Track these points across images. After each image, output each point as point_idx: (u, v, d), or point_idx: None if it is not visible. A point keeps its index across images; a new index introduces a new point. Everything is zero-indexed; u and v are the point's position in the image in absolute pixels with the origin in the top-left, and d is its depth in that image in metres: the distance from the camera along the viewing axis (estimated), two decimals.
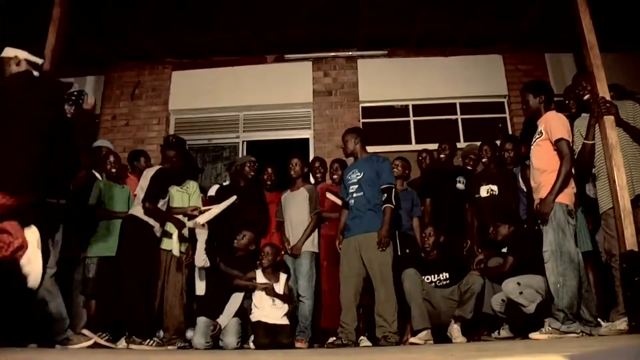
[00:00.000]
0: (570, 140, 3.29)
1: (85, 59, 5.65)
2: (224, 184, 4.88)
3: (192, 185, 4.35)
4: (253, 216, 4.33)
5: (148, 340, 3.67)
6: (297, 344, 3.95)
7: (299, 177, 4.45)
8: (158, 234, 3.96)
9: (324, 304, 4.14)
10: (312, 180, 4.81)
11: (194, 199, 4.29)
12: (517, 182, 4.17)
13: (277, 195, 4.56)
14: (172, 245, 3.98)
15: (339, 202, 4.29)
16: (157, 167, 4.10)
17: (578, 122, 3.53)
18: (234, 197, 4.15)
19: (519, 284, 3.42)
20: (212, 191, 4.68)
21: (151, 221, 3.89)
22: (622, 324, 3.07)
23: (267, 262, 4.00)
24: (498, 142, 4.55)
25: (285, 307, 3.97)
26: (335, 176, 4.53)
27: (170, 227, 4.05)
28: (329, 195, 4.43)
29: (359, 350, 3.15)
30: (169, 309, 3.98)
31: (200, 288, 4.08)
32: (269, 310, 3.89)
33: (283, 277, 4.06)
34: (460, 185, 4.47)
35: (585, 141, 3.35)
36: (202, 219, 4.01)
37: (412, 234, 4.34)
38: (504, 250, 3.84)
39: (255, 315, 3.90)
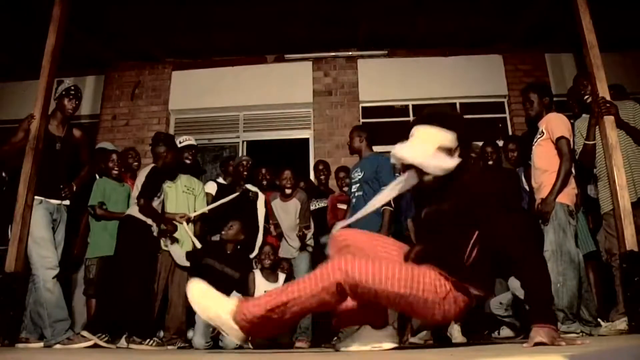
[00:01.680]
0: (571, 140, 3.30)
1: (85, 59, 5.65)
2: (219, 180, 4.84)
3: (198, 187, 4.36)
4: (247, 216, 4.35)
5: (148, 340, 3.67)
6: (298, 344, 3.95)
7: (291, 188, 4.43)
8: (156, 234, 3.97)
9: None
10: (315, 182, 4.87)
11: (200, 200, 4.30)
12: (520, 182, 4.17)
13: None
14: (164, 244, 4.01)
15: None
16: (151, 166, 4.11)
17: (579, 122, 3.53)
18: (226, 198, 4.22)
19: (501, 303, 3.43)
20: (208, 188, 4.63)
21: (149, 221, 3.89)
22: (622, 324, 3.07)
23: (268, 263, 4.01)
24: (500, 143, 4.55)
25: None
26: (345, 188, 4.49)
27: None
28: (340, 205, 4.42)
29: (358, 351, 3.14)
30: (172, 308, 3.98)
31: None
32: None
33: (282, 276, 4.08)
34: None
35: (586, 142, 3.36)
36: (193, 214, 4.10)
37: (408, 234, 4.34)
38: None
39: None
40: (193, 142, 4.61)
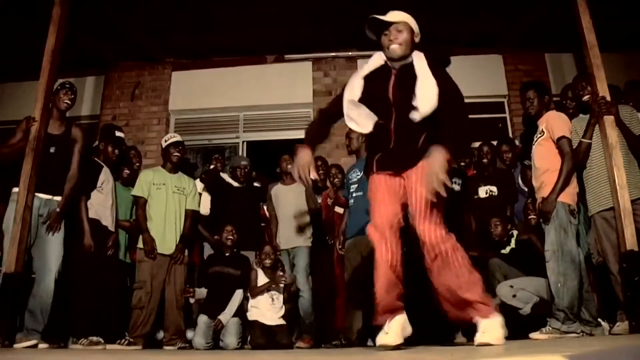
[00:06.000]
0: (572, 139, 3.29)
1: (85, 59, 5.65)
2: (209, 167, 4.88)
3: (189, 186, 4.28)
4: (244, 217, 4.38)
5: (82, 340, 3.49)
6: (300, 343, 3.95)
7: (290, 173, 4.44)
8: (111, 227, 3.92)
9: (339, 305, 4.14)
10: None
11: (191, 199, 4.25)
12: (516, 182, 4.17)
13: None
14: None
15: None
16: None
17: (575, 122, 3.52)
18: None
19: (511, 286, 3.42)
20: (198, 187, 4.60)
21: (97, 217, 3.84)
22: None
23: (268, 263, 4.02)
24: (494, 142, 4.54)
25: (283, 308, 3.98)
26: (336, 180, 4.52)
27: (168, 231, 4.06)
28: (337, 209, 4.42)
29: (358, 350, 3.15)
30: (170, 308, 3.97)
31: (201, 293, 4.12)
32: (266, 310, 3.90)
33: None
34: (455, 187, 4.42)
35: (583, 139, 3.33)
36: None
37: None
38: (504, 251, 3.84)
39: (253, 315, 3.91)
40: (178, 138, 4.36)
